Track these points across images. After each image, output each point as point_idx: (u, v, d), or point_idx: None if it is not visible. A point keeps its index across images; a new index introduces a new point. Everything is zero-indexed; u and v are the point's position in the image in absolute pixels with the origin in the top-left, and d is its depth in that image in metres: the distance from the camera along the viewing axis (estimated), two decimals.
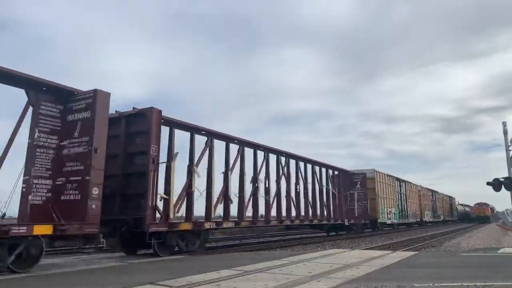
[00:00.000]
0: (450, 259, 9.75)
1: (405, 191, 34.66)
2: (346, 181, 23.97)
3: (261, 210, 15.85)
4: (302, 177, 19.14)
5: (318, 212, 20.45)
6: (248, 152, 15.13)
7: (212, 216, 12.86)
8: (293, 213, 18.07)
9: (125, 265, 8.40)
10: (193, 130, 12.54)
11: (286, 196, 17.42)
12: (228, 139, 14.12)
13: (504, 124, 17.75)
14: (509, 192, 17.06)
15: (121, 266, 8.25)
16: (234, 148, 14.38)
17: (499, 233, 29.12)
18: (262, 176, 15.84)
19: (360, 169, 26.13)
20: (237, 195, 14.27)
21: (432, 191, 46.33)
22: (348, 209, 23.71)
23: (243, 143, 14.73)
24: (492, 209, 78.35)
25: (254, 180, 15.30)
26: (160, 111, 11.01)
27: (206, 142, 12.97)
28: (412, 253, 11.35)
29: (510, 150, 17.25)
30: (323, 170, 21.49)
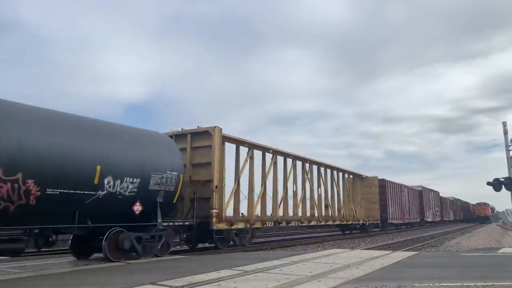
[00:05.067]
0: (450, 259, 9.74)
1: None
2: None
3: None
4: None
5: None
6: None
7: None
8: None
9: (125, 265, 8.40)
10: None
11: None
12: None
13: (504, 124, 17.79)
14: (509, 192, 17.07)
15: (121, 266, 8.25)
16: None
17: (499, 233, 29.14)
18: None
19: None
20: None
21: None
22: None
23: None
24: (493, 209, 78.43)
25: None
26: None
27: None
28: (412, 253, 11.35)
29: (510, 150, 17.26)
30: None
